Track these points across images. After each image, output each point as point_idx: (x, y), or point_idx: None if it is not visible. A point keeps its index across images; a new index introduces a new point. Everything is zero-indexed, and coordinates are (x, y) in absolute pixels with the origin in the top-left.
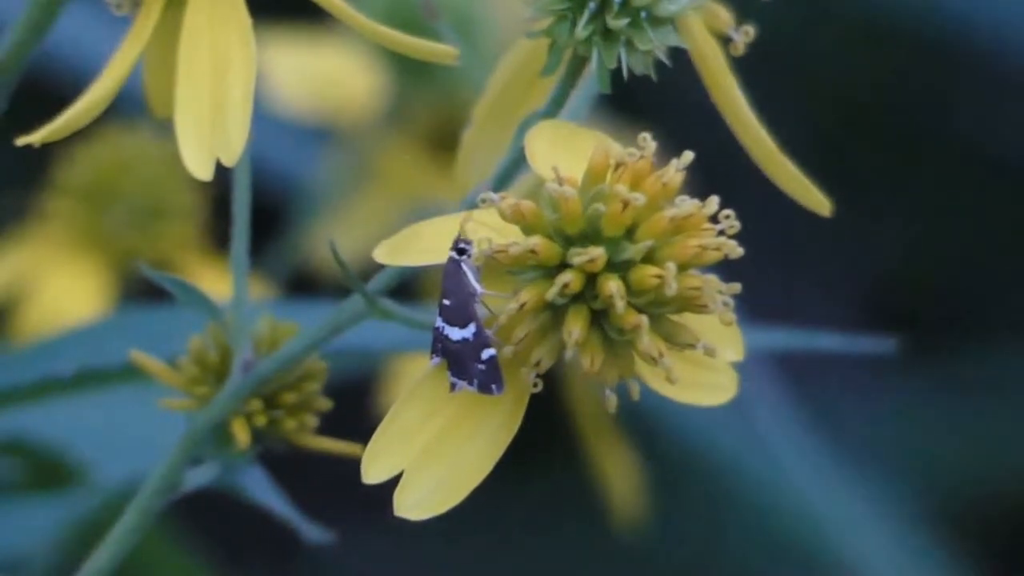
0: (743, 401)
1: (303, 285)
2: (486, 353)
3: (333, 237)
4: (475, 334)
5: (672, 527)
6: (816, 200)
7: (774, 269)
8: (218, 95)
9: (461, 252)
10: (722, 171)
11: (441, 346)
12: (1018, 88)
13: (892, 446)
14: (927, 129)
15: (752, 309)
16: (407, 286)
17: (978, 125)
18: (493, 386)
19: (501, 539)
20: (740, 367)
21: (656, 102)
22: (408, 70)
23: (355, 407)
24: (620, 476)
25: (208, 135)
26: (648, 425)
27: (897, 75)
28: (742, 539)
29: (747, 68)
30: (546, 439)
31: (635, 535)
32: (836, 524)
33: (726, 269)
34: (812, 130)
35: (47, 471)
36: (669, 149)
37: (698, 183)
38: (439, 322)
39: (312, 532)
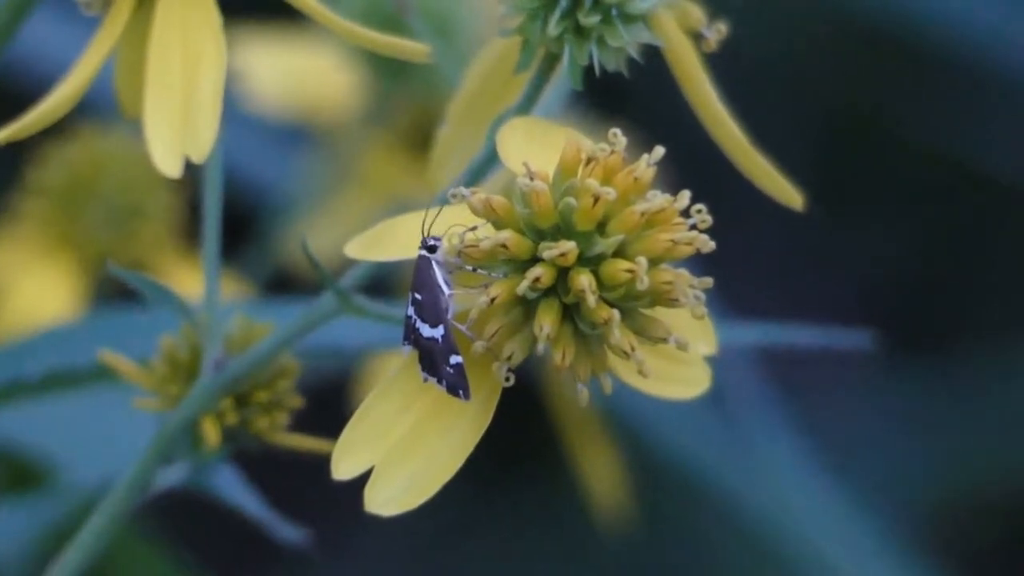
0: (730, 403)
1: (283, 286)
2: (453, 359)
3: (312, 236)
4: (443, 337)
5: (656, 531)
6: (788, 194)
7: (772, 271)
8: (187, 93)
9: (431, 250)
10: (725, 173)
11: (413, 338)
12: (1006, 100)
13: (880, 446)
14: (917, 139)
15: (746, 311)
16: (382, 283)
17: (968, 136)
18: (460, 392)
19: (486, 540)
20: (727, 367)
21: (663, 100)
22: (386, 69)
23: (335, 406)
24: (604, 477)
25: (177, 132)
26: (632, 432)
27: (889, 86)
28: (725, 543)
29: (744, 77)
30: (532, 441)
31: (619, 537)
32: (820, 529)
33: (721, 272)
34: (806, 137)
35: (19, 474)
36: (673, 147)
37: (699, 183)
38: (411, 311)
39: (286, 532)
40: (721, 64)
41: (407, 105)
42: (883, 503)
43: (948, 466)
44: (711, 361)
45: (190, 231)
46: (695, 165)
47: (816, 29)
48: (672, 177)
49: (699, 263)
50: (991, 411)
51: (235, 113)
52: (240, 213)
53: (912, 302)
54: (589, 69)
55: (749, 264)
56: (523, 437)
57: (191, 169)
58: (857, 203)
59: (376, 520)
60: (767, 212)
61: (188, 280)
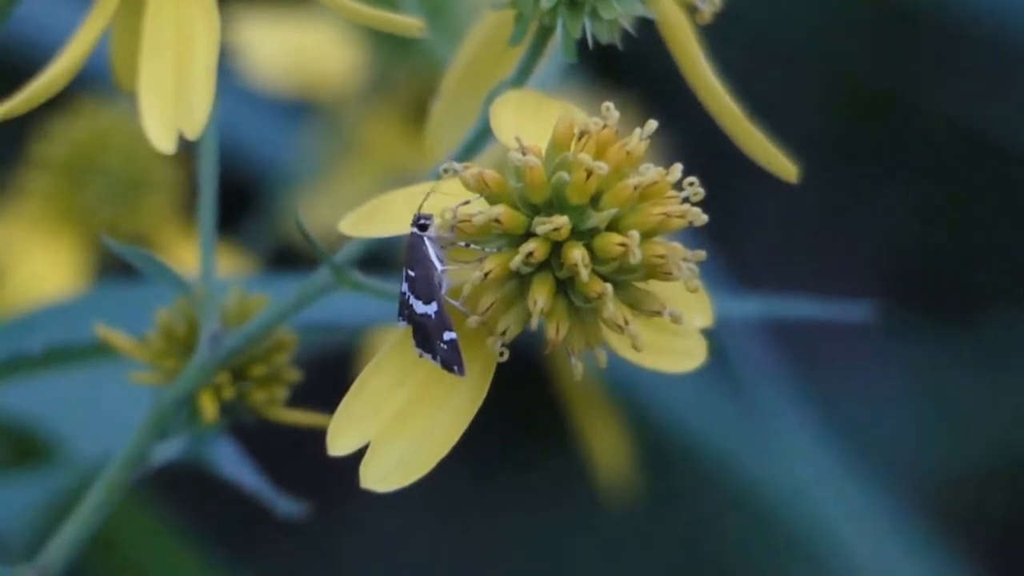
0: (739, 375)
1: (285, 259)
2: (447, 335)
3: (314, 209)
4: (437, 313)
5: (663, 507)
6: (783, 166)
7: (787, 241)
8: (181, 69)
9: (423, 227)
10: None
11: (407, 314)
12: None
13: (893, 417)
14: (933, 109)
15: (759, 281)
16: (380, 257)
17: (985, 106)
18: (455, 367)
19: (490, 514)
20: (736, 338)
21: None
22: (387, 43)
23: (338, 380)
24: (610, 453)
25: (171, 107)
26: (639, 407)
27: (905, 55)
28: (734, 520)
29: (760, 46)
30: (536, 415)
31: (625, 513)
32: (830, 504)
33: (735, 243)
34: (821, 107)
35: (23, 448)
36: (683, 124)
37: (711, 160)
38: (405, 288)
39: (285, 505)
40: (737, 33)
41: (407, 78)
42: (896, 475)
43: (962, 437)
44: (718, 332)
45: (193, 204)
46: (710, 134)
47: (833, 6)
48: (686, 146)
49: (711, 234)
50: (1006, 381)
51: (237, 87)
52: (242, 186)
53: (927, 273)
54: (583, 41)
55: (763, 234)
56: (528, 412)
57: (195, 142)
58: (872, 173)
59: (377, 494)
60: (782, 181)
61: (191, 253)
